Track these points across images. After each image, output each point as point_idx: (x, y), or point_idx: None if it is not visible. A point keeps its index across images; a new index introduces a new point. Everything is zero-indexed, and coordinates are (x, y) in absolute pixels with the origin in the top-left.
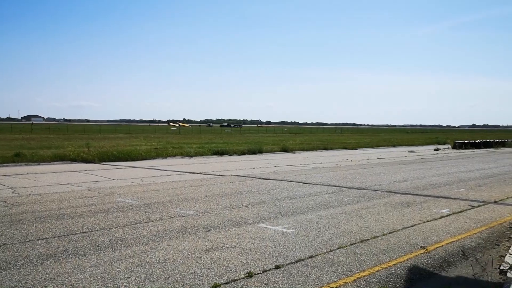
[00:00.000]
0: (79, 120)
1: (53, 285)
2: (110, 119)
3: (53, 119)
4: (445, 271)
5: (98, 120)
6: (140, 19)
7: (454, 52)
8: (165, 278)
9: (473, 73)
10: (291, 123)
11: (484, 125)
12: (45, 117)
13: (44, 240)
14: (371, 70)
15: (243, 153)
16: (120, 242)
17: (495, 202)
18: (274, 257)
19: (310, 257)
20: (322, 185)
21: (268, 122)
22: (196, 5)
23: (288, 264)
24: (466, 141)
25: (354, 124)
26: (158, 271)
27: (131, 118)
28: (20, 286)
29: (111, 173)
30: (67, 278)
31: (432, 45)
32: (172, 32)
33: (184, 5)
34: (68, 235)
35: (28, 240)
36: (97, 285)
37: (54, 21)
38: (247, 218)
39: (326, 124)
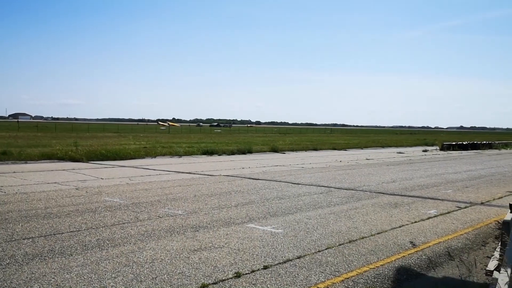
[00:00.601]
0: (67, 119)
1: (38, 285)
2: (99, 117)
3: (41, 117)
4: (432, 271)
5: (86, 119)
6: (130, 17)
7: (443, 54)
8: (153, 278)
9: (462, 75)
10: (281, 123)
11: (471, 127)
12: (33, 115)
13: (30, 240)
14: (361, 71)
15: (232, 153)
16: (107, 241)
17: (482, 203)
18: (263, 257)
19: (299, 257)
20: (311, 185)
21: (258, 122)
22: (187, 4)
23: (277, 264)
24: (454, 143)
25: (343, 125)
26: (145, 271)
27: (120, 117)
28: (5, 286)
29: (99, 172)
30: (53, 278)
31: (421, 47)
32: (162, 31)
33: (175, 5)
34: (54, 234)
35: (14, 239)
36: (84, 285)
37: (42, 18)
38: (236, 218)
39: (315, 124)
